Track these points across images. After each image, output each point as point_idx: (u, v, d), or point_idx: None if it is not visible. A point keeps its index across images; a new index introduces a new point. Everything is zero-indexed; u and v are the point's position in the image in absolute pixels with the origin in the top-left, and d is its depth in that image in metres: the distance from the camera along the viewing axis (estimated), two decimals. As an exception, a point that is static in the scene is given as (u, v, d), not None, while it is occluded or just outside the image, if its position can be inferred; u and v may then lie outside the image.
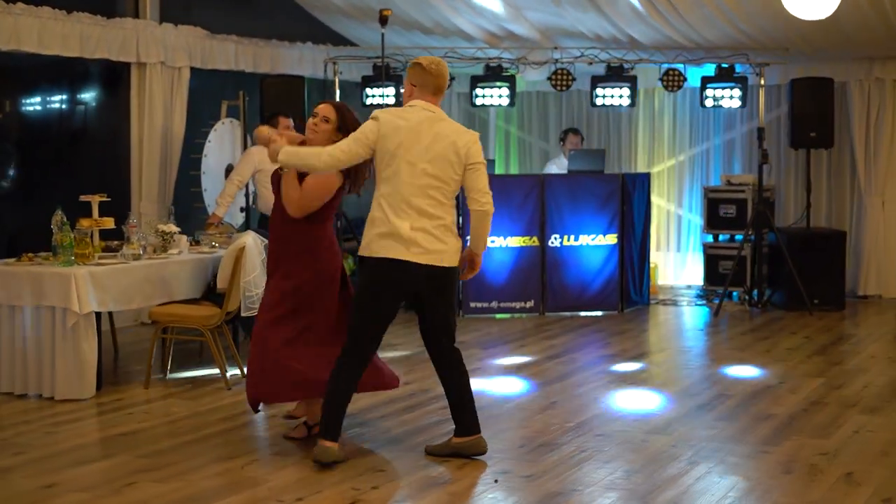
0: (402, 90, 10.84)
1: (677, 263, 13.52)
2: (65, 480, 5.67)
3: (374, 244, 5.81)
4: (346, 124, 6.18)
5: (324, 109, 6.26)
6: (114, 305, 7.74)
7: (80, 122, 10.55)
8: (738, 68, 11.76)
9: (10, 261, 7.78)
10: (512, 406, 7.36)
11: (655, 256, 13.01)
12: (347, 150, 5.81)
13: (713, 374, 8.37)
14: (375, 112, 5.92)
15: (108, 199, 8.41)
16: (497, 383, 8.07)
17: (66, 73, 10.19)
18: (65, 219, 7.71)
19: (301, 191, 6.11)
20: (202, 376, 8.30)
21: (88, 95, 10.57)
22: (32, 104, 10.10)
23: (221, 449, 6.27)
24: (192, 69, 10.91)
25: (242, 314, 8.07)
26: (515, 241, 11.15)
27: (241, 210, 10.43)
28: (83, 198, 8.30)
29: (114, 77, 10.59)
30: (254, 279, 7.92)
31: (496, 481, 5.64)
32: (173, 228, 8.52)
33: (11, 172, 9.85)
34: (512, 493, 5.47)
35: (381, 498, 5.38)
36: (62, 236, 7.62)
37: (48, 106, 10.27)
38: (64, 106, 10.39)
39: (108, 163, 10.63)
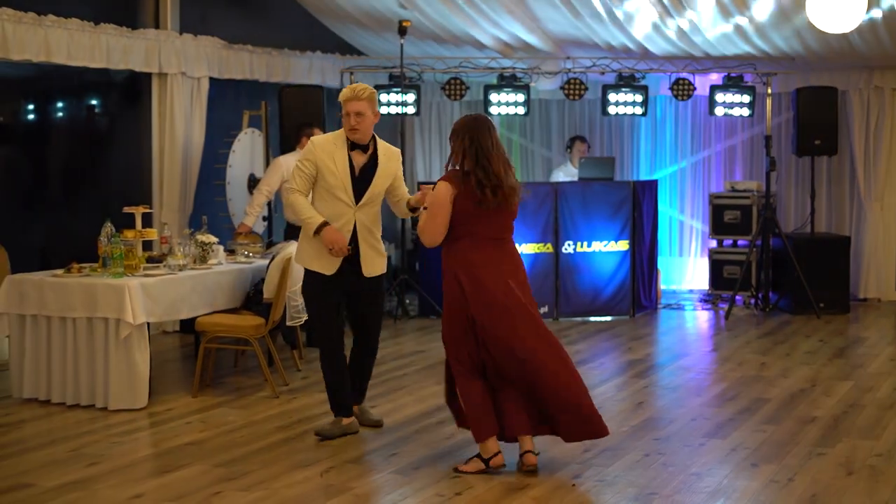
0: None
1: (679, 268, 13.75)
2: (150, 490, 5.77)
3: None
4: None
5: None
6: (163, 316, 7.84)
7: (104, 132, 10.60)
8: (745, 78, 12.01)
9: (60, 272, 7.84)
10: (560, 411, 7.51)
11: (658, 261, 13.24)
12: None
13: (745, 378, 8.57)
14: None
15: (151, 211, 8.48)
16: (537, 389, 8.24)
17: (89, 82, 10.24)
18: (114, 230, 7.80)
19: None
20: (243, 385, 8.40)
21: (113, 105, 10.61)
22: (55, 114, 10.14)
23: (292, 457, 6.38)
24: (211, 79, 10.99)
25: (288, 323, 8.22)
26: (530, 248, 11.33)
27: (264, 219, 10.53)
28: (127, 209, 8.37)
29: (135, 87, 10.65)
30: (299, 289, 8.02)
31: (573, 485, 5.81)
32: (212, 239, 8.61)
33: (38, 181, 9.89)
34: (595, 496, 5.64)
35: (467, 503, 5.53)
36: (112, 248, 7.71)
37: (72, 116, 10.31)
38: (87, 116, 10.43)
39: (131, 172, 10.69)
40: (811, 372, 8.76)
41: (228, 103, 11.32)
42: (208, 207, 10.69)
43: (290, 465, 6.23)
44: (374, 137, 6.73)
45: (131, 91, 10.69)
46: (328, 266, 6.65)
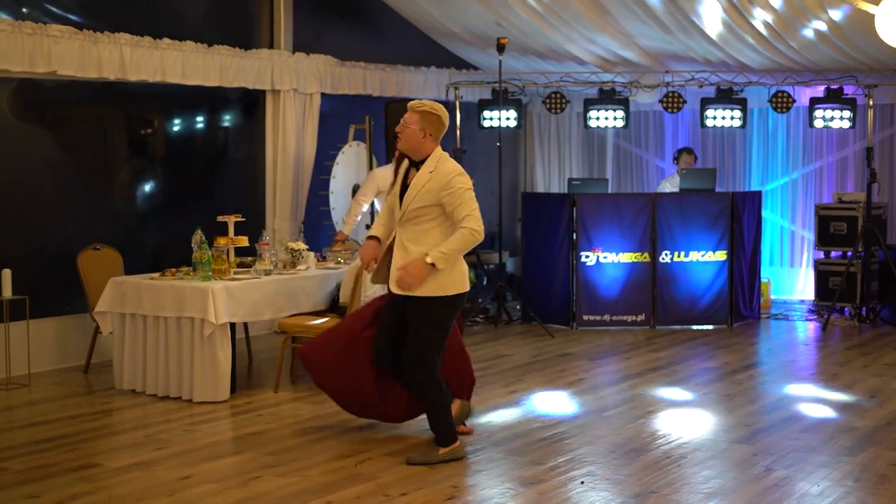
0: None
1: (790, 278, 13.82)
2: (199, 473, 6.42)
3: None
4: None
5: None
6: (246, 317, 8.51)
7: (220, 146, 11.41)
8: (847, 89, 12.04)
9: (156, 275, 8.64)
10: (610, 415, 7.89)
11: (769, 271, 13.37)
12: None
13: (807, 387, 8.75)
14: (463, 172, 6.56)
15: (243, 220, 9.19)
16: (598, 393, 8.62)
17: (207, 99, 11.03)
18: (203, 238, 8.52)
19: None
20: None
21: (227, 121, 11.41)
22: (177, 129, 10.97)
23: (339, 448, 6.93)
24: (323, 95, 11.70)
25: (363, 326, 8.78)
26: (627, 257, 11.65)
27: (367, 227, 11.14)
28: (220, 218, 9.09)
29: (250, 103, 11.43)
30: (373, 294, 8.59)
31: (582, 483, 6.19)
32: (302, 246, 9.26)
33: (158, 191, 10.74)
34: (595, 493, 6.02)
35: (476, 495, 5.99)
36: (201, 254, 8.44)
37: (191, 130, 11.14)
38: (205, 130, 11.25)
39: (245, 183, 11.48)
40: (878, 384, 8.86)
41: (341, 117, 11.97)
42: (316, 216, 11.41)
43: (332, 455, 6.78)
44: (435, 158, 6.52)
45: (247, 106, 11.47)
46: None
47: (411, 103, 6.65)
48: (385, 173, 10.32)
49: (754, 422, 7.61)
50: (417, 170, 6.55)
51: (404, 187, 6.59)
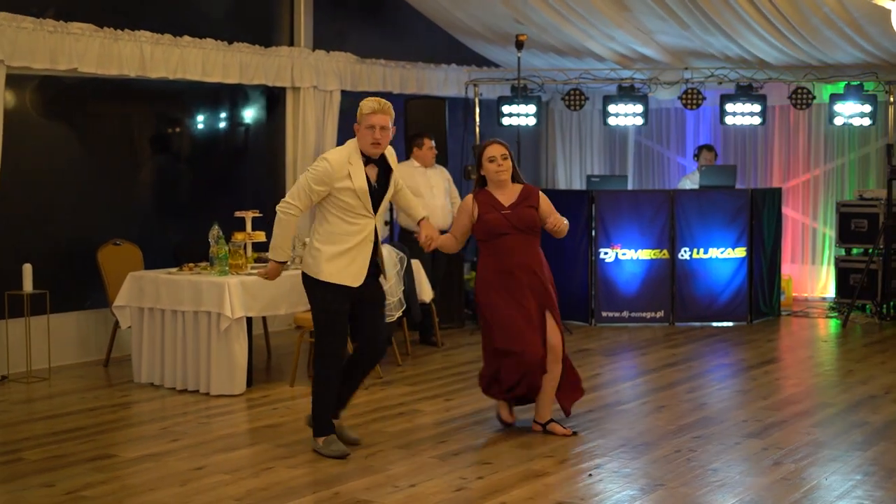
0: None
1: (812, 276, 13.78)
2: (212, 464, 6.50)
3: None
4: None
5: (500, 149, 7.23)
6: (262, 311, 8.61)
7: (240, 143, 11.51)
8: (867, 86, 12.01)
9: (173, 270, 8.73)
10: (622, 410, 7.91)
11: (790, 269, 13.34)
12: None
13: (822, 383, 8.76)
14: None
15: (261, 215, 9.28)
16: (613, 388, 8.64)
17: (227, 96, 11.14)
18: (220, 233, 8.61)
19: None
20: (343, 377, 9.07)
21: (247, 118, 11.51)
22: (197, 125, 11.07)
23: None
24: (343, 92, 11.78)
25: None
26: (646, 254, 11.66)
27: (385, 223, 11.21)
28: (238, 214, 9.19)
29: (271, 100, 11.53)
30: (390, 289, 8.67)
31: (590, 475, 6.23)
32: (317, 241, 9.32)
33: (178, 187, 10.84)
34: (603, 485, 6.05)
35: (483, 487, 6.02)
36: (218, 248, 8.53)
37: (211, 127, 11.24)
38: (226, 127, 11.34)
39: (266, 180, 11.58)
40: (894, 380, 8.84)
41: (361, 114, 12.02)
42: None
43: (344, 447, 6.85)
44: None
45: (267, 103, 11.56)
46: (355, 278, 6.55)
47: (378, 104, 6.53)
48: (401, 170, 10.35)
49: (766, 417, 7.62)
50: (377, 165, 6.63)
51: (369, 183, 6.55)
